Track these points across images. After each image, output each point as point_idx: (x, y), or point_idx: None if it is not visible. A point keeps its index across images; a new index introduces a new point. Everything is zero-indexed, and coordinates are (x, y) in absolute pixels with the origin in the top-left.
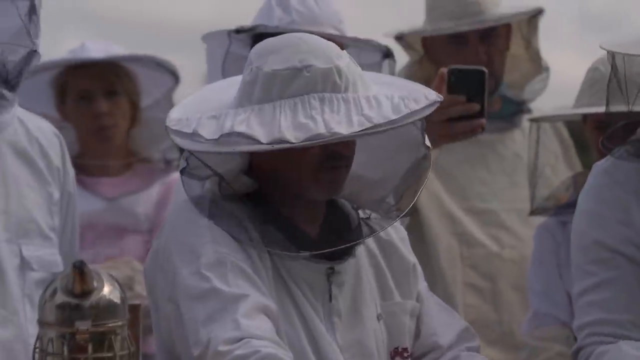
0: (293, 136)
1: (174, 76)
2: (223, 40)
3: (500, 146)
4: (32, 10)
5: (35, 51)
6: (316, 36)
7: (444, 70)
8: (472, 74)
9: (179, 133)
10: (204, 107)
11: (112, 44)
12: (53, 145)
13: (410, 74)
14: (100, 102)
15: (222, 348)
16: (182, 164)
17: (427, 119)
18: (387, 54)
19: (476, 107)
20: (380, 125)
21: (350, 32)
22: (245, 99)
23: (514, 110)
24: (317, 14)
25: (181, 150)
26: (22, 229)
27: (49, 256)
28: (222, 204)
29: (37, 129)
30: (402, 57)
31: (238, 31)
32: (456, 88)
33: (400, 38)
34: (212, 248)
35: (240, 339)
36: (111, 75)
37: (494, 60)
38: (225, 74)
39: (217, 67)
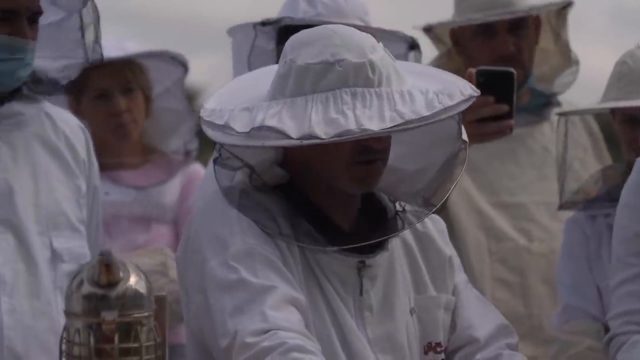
0: (323, 131)
1: (184, 66)
2: (249, 33)
3: (529, 140)
4: (95, 23)
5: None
6: (351, 28)
7: (473, 71)
8: (501, 75)
9: (210, 124)
10: (238, 98)
11: (122, 39)
12: (79, 138)
13: (438, 67)
14: (119, 100)
15: (249, 340)
16: (215, 154)
17: None
18: (413, 45)
19: (505, 108)
20: (412, 121)
21: (378, 24)
22: (278, 91)
23: (543, 103)
24: (343, 6)
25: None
26: (53, 222)
27: (78, 248)
28: (253, 195)
29: (63, 121)
30: (430, 50)
31: (264, 24)
32: (485, 89)
33: (428, 30)
34: (241, 239)
35: (267, 331)
36: (128, 72)
37: (522, 52)
38: (251, 67)
39: (242, 61)
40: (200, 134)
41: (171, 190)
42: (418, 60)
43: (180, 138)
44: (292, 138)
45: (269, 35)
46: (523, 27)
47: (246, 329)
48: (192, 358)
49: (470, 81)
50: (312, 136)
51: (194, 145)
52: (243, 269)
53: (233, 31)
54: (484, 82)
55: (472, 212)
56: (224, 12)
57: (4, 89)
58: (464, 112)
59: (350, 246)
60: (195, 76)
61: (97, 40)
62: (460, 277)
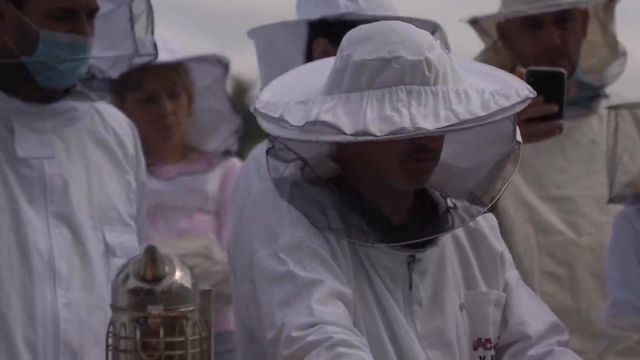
0: (377, 129)
1: (225, 67)
2: (286, 31)
3: (576, 133)
4: (149, 21)
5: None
6: (409, 25)
7: (523, 71)
8: (551, 75)
9: (265, 117)
10: (293, 91)
11: (168, 40)
12: (127, 134)
13: (485, 60)
14: (165, 102)
15: (295, 334)
16: (268, 145)
17: None
18: (435, 27)
19: (554, 108)
20: (467, 121)
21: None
22: (334, 86)
23: (591, 95)
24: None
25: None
26: (105, 216)
27: (129, 243)
28: (304, 188)
29: (112, 118)
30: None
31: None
32: (535, 89)
33: (474, 23)
34: (291, 231)
35: (314, 325)
36: (175, 75)
37: (568, 45)
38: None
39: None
40: (240, 135)
41: (212, 181)
42: (443, 39)
43: (221, 138)
44: (346, 134)
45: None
46: (569, 19)
47: (293, 322)
48: (241, 344)
49: None
50: (366, 133)
51: (233, 146)
52: (291, 261)
53: (262, 30)
54: (534, 82)
55: (521, 205)
56: (279, 5)
57: (63, 86)
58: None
59: (401, 244)
60: (247, 69)
61: (148, 33)
62: (512, 273)
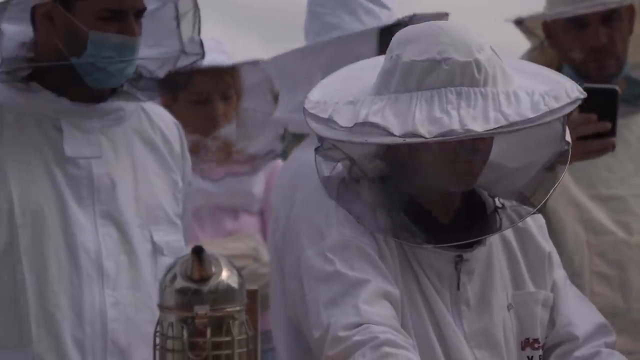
0: (426, 130)
1: None
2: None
3: (625, 131)
4: (196, 22)
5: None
6: (458, 25)
7: None
8: (604, 93)
9: (314, 117)
10: (342, 90)
11: (221, 41)
12: (174, 133)
13: (531, 59)
14: (217, 105)
15: (342, 333)
16: (317, 144)
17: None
18: None
19: (607, 125)
20: (516, 123)
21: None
22: (383, 86)
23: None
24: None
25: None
26: (152, 215)
27: (176, 242)
28: (352, 187)
29: (159, 117)
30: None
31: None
32: (588, 106)
33: (520, 23)
34: (338, 230)
35: (360, 325)
36: (229, 78)
37: (615, 43)
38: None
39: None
40: (285, 139)
41: (257, 183)
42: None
43: (266, 140)
44: (394, 135)
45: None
46: (615, 17)
47: (339, 322)
48: (287, 341)
49: None
50: (415, 134)
51: (278, 149)
52: (339, 260)
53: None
54: (587, 100)
55: (570, 205)
56: None
57: (111, 86)
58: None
59: (449, 245)
60: None
61: (194, 32)
62: (560, 273)
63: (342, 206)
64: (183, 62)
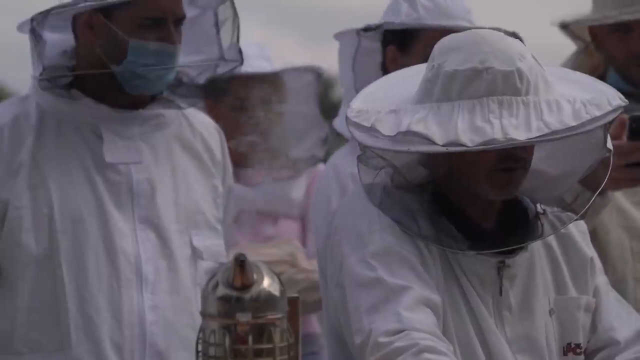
0: (469, 139)
1: (317, 74)
2: (353, 38)
3: None
4: (235, 32)
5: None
6: (500, 34)
7: (625, 116)
8: None
9: (357, 126)
10: (384, 99)
11: (263, 47)
12: (215, 139)
13: (577, 63)
14: (258, 112)
15: (383, 339)
16: (359, 152)
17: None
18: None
19: None
20: (558, 132)
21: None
22: (425, 96)
23: None
24: (445, 7)
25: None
26: (192, 220)
27: (216, 246)
28: (394, 194)
29: (200, 123)
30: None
31: (365, 29)
32: (637, 134)
33: (565, 27)
34: (380, 237)
35: (401, 331)
36: (268, 84)
37: None
38: (356, 70)
39: (348, 64)
40: (327, 140)
41: (298, 187)
42: None
43: (308, 145)
44: (437, 144)
45: (373, 38)
46: None
47: (380, 328)
48: (329, 347)
49: (622, 127)
50: (458, 143)
51: (321, 152)
52: (380, 267)
53: (339, 36)
54: (637, 128)
55: (614, 211)
56: (367, 1)
57: (151, 93)
58: (614, 157)
59: (492, 252)
60: (331, 65)
61: (234, 39)
62: (601, 279)
63: (385, 213)
64: (222, 68)
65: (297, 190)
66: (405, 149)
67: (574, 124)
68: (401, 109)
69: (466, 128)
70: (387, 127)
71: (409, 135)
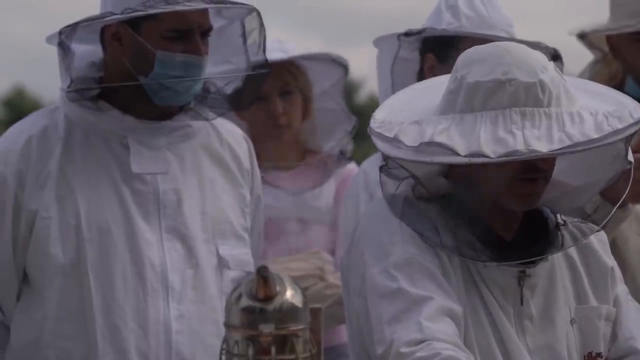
0: (491, 150)
1: (344, 67)
2: (393, 43)
3: None
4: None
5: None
6: (523, 46)
7: None
8: None
9: (380, 136)
10: (407, 110)
11: (284, 41)
12: (242, 148)
13: (595, 72)
14: (276, 102)
15: (404, 349)
16: (382, 162)
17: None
18: (555, 56)
19: None
20: (580, 144)
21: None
22: (448, 107)
23: None
24: (487, 18)
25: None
26: (218, 230)
27: (243, 255)
28: (415, 205)
29: (228, 132)
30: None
31: (407, 34)
32: None
33: (582, 37)
34: (402, 248)
35: (422, 341)
36: (287, 75)
37: None
38: (394, 75)
39: (386, 69)
40: (355, 135)
41: (327, 192)
42: (560, 69)
43: (335, 139)
44: (460, 155)
45: (412, 45)
46: None
47: (402, 338)
48: (353, 357)
49: None
50: (480, 154)
51: (349, 146)
52: (402, 278)
53: (378, 42)
54: None
55: (633, 220)
56: (391, 5)
57: (178, 104)
58: (636, 171)
59: (512, 263)
60: (356, 68)
61: (260, 48)
62: (621, 288)
63: (407, 224)
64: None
65: (326, 195)
66: (428, 159)
67: (596, 136)
68: (424, 119)
69: (489, 139)
70: (410, 138)
71: (432, 145)
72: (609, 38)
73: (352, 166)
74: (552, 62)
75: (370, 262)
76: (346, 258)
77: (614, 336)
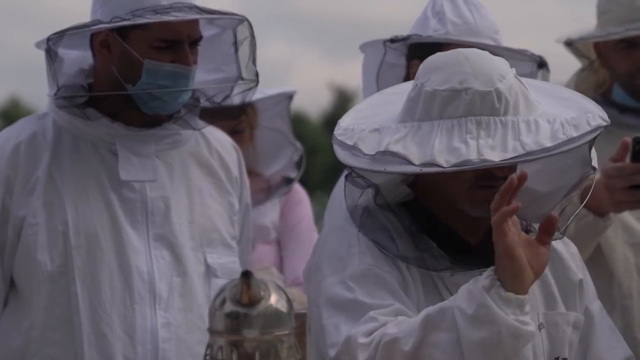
0: (444, 160)
1: (288, 97)
2: (379, 49)
3: None
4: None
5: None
6: (485, 54)
7: (628, 139)
8: None
9: (341, 144)
10: (373, 116)
11: None
12: (231, 156)
13: (582, 79)
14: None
15: (362, 340)
16: (347, 171)
17: (610, 185)
18: (541, 63)
19: None
20: (533, 152)
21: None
22: (408, 114)
23: None
24: (473, 25)
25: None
26: (206, 238)
27: (231, 264)
28: (375, 215)
29: (217, 140)
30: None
31: (392, 41)
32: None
33: (569, 44)
34: (359, 259)
35: (378, 328)
36: (242, 114)
37: None
38: (379, 81)
39: (372, 75)
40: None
41: (271, 211)
42: (546, 78)
43: (280, 165)
44: (414, 164)
45: (399, 52)
46: None
47: (359, 331)
48: None
49: (625, 149)
50: (433, 164)
51: (293, 173)
52: (358, 289)
53: (364, 47)
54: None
55: (619, 228)
56: (387, 15)
57: (167, 113)
58: (617, 179)
59: (473, 270)
60: (352, 79)
61: (251, 58)
62: (596, 304)
63: (365, 235)
64: (239, 88)
65: (271, 214)
66: (382, 168)
67: (549, 145)
68: (385, 127)
69: (443, 148)
70: (368, 146)
71: (387, 155)
72: (596, 45)
73: (296, 186)
74: (513, 69)
75: (328, 272)
76: (307, 268)
77: (582, 354)
